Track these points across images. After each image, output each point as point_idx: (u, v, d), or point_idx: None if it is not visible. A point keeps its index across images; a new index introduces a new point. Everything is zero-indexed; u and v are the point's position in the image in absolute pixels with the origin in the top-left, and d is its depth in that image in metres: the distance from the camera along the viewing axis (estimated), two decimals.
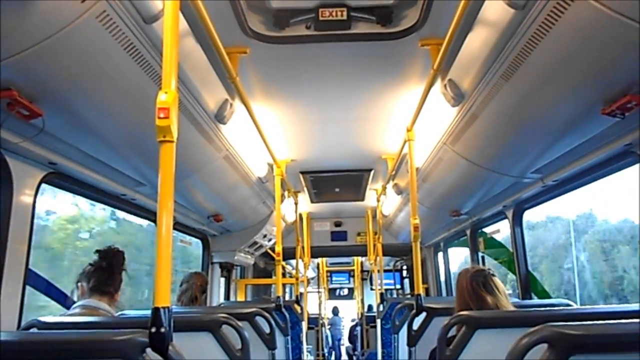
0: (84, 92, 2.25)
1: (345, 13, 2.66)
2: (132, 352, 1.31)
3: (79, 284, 2.61)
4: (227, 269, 6.76)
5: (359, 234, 8.33)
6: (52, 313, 3.43)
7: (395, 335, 3.88)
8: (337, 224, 8.39)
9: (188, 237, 5.57)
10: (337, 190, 6.51)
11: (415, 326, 2.98)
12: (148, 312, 1.37)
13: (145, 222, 4.76)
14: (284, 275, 10.16)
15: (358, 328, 11.72)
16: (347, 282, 17.99)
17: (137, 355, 1.31)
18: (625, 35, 1.82)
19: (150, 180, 3.48)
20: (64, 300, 3.69)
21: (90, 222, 5.22)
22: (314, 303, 14.30)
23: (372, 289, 11.84)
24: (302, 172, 5.65)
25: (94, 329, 2.06)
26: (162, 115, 1.44)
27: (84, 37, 1.94)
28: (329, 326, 15.56)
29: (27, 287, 2.65)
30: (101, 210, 5.12)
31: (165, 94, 1.47)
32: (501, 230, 5.18)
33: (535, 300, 4.33)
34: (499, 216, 4.81)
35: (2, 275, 2.44)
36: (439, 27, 2.60)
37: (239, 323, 2.18)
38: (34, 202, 2.69)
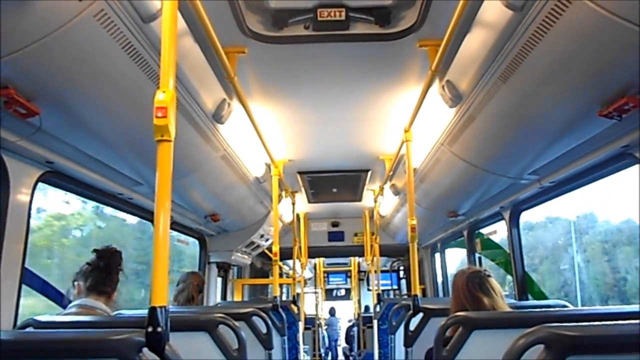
0: (81, 90, 2.24)
1: (343, 13, 2.66)
2: (128, 352, 1.31)
3: (76, 283, 2.60)
4: (224, 268, 6.75)
5: (356, 235, 8.33)
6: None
7: (392, 336, 3.88)
8: (335, 225, 8.39)
9: (184, 237, 5.56)
10: (334, 190, 6.51)
11: (412, 327, 2.98)
12: (145, 312, 1.37)
13: (129, 217, 4.67)
14: (281, 275, 10.17)
15: (355, 329, 11.72)
16: (344, 282, 17.99)
17: (134, 354, 1.31)
18: (622, 37, 1.82)
19: (148, 179, 3.47)
20: (60, 300, 3.68)
21: (78, 219, 5.14)
22: (311, 304, 14.30)
23: (369, 290, 11.87)
24: (299, 172, 5.65)
25: (91, 328, 2.06)
26: (159, 114, 1.44)
27: (81, 36, 1.93)
28: (326, 327, 15.56)
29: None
30: (88, 206, 5.04)
31: (163, 94, 1.46)
32: (498, 232, 5.18)
33: (532, 302, 4.33)
34: (496, 217, 4.81)
35: None
36: (437, 28, 2.61)
37: (236, 323, 2.18)
38: (31, 201, 2.68)
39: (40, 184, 2.80)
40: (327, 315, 16.32)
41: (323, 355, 11.66)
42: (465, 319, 1.93)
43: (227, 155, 3.93)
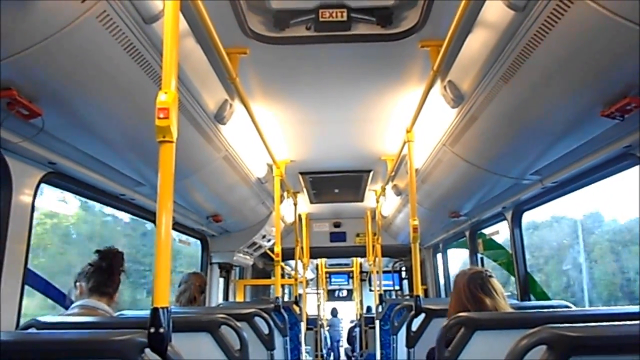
0: (83, 92, 2.25)
1: (345, 14, 2.66)
2: (131, 353, 1.31)
3: (78, 283, 2.61)
4: (226, 269, 6.76)
5: (358, 235, 8.33)
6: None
7: (394, 337, 3.88)
8: (336, 225, 8.39)
9: (185, 237, 5.56)
10: (336, 191, 6.51)
11: (414, 327, 2.98)
12: (147, 313, 1.37)
13: (121, 214, 4.54)
14: (283, 276, 10.18)
15: (357, 329, 11.71)
16: (346, 283, 17.98)
17: (136, 355, 1.31)
18: (624, 38, 1.82)
19: (150, 180, 3.48)
20: (63, 300, 3.69)
21: (70, 217, 5.07)
22: (313, 304, 14.31)
23: (371, 290, 11.85)
24: (301, 173, 5.65)
25: (93, 329, 2.06)
26: (161, 115, 1.44)
27: (84, 37, 1.94)
28: (328, 327, 15.55)
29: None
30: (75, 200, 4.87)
31: (165, 94, 1.47)
32: (500, 232, 5.18)
33: (534, 302, 4.33)
34: (498, 218, 4.81)
35: (0, 275, 2.44)
36: (439, 29, 2.60)
37: (238, 324, 2.19)
38: (33, 201, 2.68)
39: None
40: (329, 316, 16.32)
41: (325, 355, 11.66)
42: (468, 320, 1.92)
43: (229, 156, 3.93)
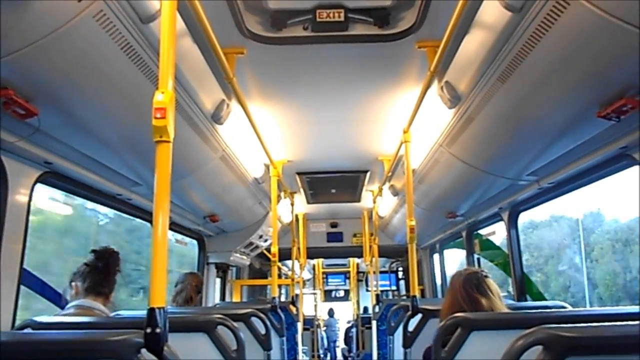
0: (80, 91, 2.24)
1: (342, 14, 2.66)
2: (127, 353, 1.31)
3: (73, 283, 2.60)
4: (222, 269, 6.75)
5: (355, 235, 8.33)
6: None
7: (391, 337, 3.88)
8: (333, 225, 8.39)
9: (181, 237, 5.55)
10: (333, 191, 6.51)
11: (410, 327, 2.98)
12: (144, 313, 1.37)
13: (106, 210, 4.35)
14: (279, 276, 10.17)
15: (353, 329, 11.73)
16: (343, 283, 17.96)
17: (132, 355, 1.31)
18: (621, 39, 1.83)
19: (146, 180, 3.47)
20: (58, 300, 3.68)
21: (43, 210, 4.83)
22: (310, 305, 14.30)
23: (367, 291, 11.86)
24: (298, 173, 5.65)
25: (89, 329, 2.06)
26: (158, 115, 1.44)
27: (80, 37, 1.93)
28: (325, 328, 15.56)
29: None
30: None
31: (162, 94, 1.46)
32: (497, 232, 5.19)
33: (530, 302, 4.34)
34: (494, 218, 4.82)
35: None
36: (436, 29, 2.61)
37: (235, 324, 2.18)
38: (29, 201, 2.68)
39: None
40: (326, 316, 16.32)
41: (322, 356, 11.66)
42: (464, 320, 1.93)
43: (226, 156, 3.93)
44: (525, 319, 2.00)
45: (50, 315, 2.57)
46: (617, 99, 2.21)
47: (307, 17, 2.67)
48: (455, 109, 3.20)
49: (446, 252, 7.07)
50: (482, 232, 5.49)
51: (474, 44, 2.62)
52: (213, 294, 6.31)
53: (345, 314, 17.39)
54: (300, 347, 5.68)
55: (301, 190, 6.36)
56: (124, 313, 2.83)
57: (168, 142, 1.47)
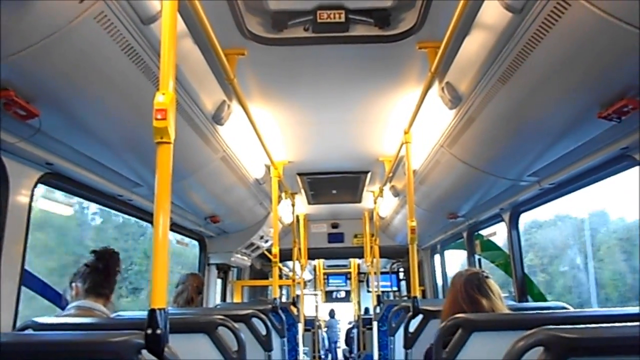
0: (81, 92, 2.24)
1: (343, 15, 2.66)
2: (127, 354, 1.31)
3: (73, 284, 2.60)
4: (223, 270, 6.75)
5: (355, 236, 8.33)
6: None
7: (392, 338, 3.88)
8: (334, 226, 8.39)
9: (180, 237, 5.55)
10: (334, 192, 6.51)
11: (411, 328, 2.98)
12: (144, 314, 1.37)
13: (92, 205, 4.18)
14: (280, 277, 10.17)
15: (354, 330, 11.71)
16: (344, 284, 17.98)
17: (133, 356, 1.31)
18: (622, 39, 1.83)
19: (147, 181, 3.47)
20: (59, 301, 3.68)
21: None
22: (311, 306, 14.29)
23: (368, 291, 11.86)
24: (299, 174, 5.65)
25: (90, 330, 2.06)
26: (159, 116, 1.44)
27: (81, 38, 1.94)
28: (326, 328, 15.56)
29: None
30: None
31: (162, 95, 1.46)
32: (497, 233, 5.18)
33: (532, 303, 4.33)
34: (495, 219, 4.81)
35: None
36: (437, 30, 2.61)
37: (235, 325, 2.18)
38: (30, 202, 2.68)
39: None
40: (327, 317, 16.32)
41: (323, 356, 11.67)
42: (465, 321, 1.92)
43: (227, 157, 3.93)
44: (526, 320, 2.00)
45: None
46: (617, 100, 2.21)
47: (308, 18, 2.67)
48: (456, 110, 3.20)
49: (447, 252, 7.07)
50: (483, 232, 5.49)
51: (474, 44, 2.62)
52: (214, 295, 6.32)
53: (346, 314, 17.38)
54: (301, 348, 5.69)
55: (302, 191, 6.36)
56: (125, 314, 2.83)
57: (169, 143, 1.47)
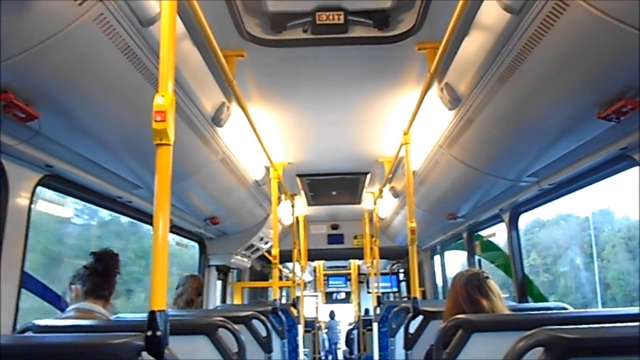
0: (80, 94, 2.24)
1: (342, 17, 2.66)
2: (128, 356, 1.31)
3: (73, 286, 2.60)
4: (223, 271, 6.75)
5: (355, 237, 8.33)
6: None
7: (392, 339, 3.87)
8: (334, 227, 8.39)
9: (179, 239, 5.55)
10: (333, 193, 6.51)
11: (411, 329, 2.98)
12: (144, 316, 1.37)
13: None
14: (280, 278, 10.17)
15: (355, 331, 11.71)
16: (344, 285, 17.98)
17: (133, 358, 1.31)
18: (620, 40, 1.83)
19: (147, 183, 3.47)
20: (59, 303, 3.68)
21: None
22: (311, 307, 14.29)
23: (368, 292, 11.86)
24: (298, 175, 5.65)
25: (90, 332, 2.05)
26: (158, 118, 1.44)
27: (81, 40, 1.94)
28: (326, 330, 15.55)
29: None
30: None
31: (162, 97, 1.46)
32: (497, 234, 5.18)
33: (532, 304, 4.33)
34: (495, 219, 4.81)
35: None
36: (436, 31, 2.61)
37: (235, 326, 2.18)
38: (30, 204, 2.68)
39: None
40: (327, 319, 16.31)
41: (323, 358, 11.65)
42: (465, 322, 1.92)
43: (227, 159, 3.93)
44: (527, 320, 2.00)
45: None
46: (617, 100, 2.21)
47: (307, 20, 2.67)
48: (456, 111, 3.20)
49: (447, 253, 7.07)
50: (483, 233, 5.49)
51: (473, 45, 2.62)
52: (214, 297, 6.31)
53: (346, 316, 17.38)
54: (301, 350, 5.68)
55: (302, 192, 6.36)
56: (125, 316, 2.83)
57: (168, 145, 1.47)
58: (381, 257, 7.60)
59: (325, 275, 16.24)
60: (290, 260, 7.04)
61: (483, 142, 3.27)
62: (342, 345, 15.67)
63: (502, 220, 4.59)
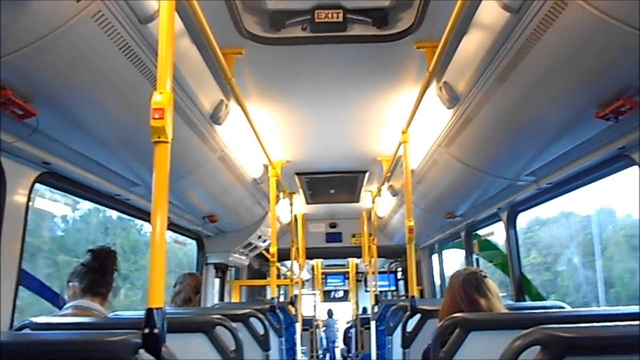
0: (78, 91, 2.24)
1: (341, 15, 2.66)
2: (125, 353, 1.30)
3: (70, 284, 2.59)
4: (221, 269, 6.75)
5: (353, 236, 8.33)
6: None
7: (390, 337, 3.87)
8: (332, 226, 8.39)
9: (176, 236, 5.54)
10: (332, 191, 6.52)
11: (409, 328, 2.98)
12: (142, 313, 1.37)
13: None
14: (278, 276, 10.17)
15: (352, 330, 11.73)
16: (342, 284, 17.98)
17: (130, 356, 1.31)
18: (619, 39, 1.83)
19: (145, 180, 3.47)
20: (57, 301, 3.68)
21: None
22: (309, 305, 14.30)
23: (366, 291, 11.86)
24: (297, 174, 5.66)
25: (87, 329, 2.05)
26: (156, 115, 1.44)
27: (79, 37, 1.93)
28: (324, 328, 15.56)
29: None
30: None
31: (160, 95, 1.46)
32: (495, 233, 5.19)
33: (529, 303, 4.34)
34: (493, 218, 4.82)
35: None
36: (435, 30, 2.61)
37: (233, 324, 2.18)
38: (28, 202, 2.67)
39: None
40: (325, 317, 16.32)
41: (321, 356, 11.68)
42: (463, 320, 1.93)
43: (225, 157, 3.93)
44: (524, 319, 2.00)
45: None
46: (615, 100, 2.22)
47: (306, 18, 2.67)
48: (454, 110, 3.20)
49: (445, 252, 7.08)
50: (481, 232, 5.50)
51: (472, 44, 2.62)
52: (212, 295, 6.31)
53: (344, 314, 17.39)
54: (299, 348, 5.68)
55: (300, 190, 6.36)
56: (122, 313, 2.83)
57: (166, 142, 1.47)
58: (379, 256, 7.62)
59: (323, 273, 16.24)
60: (288, 259, 7.04)
61: (481, 141, 3.27)
62: (339, 344, 15.68)
63: (500, 219, 4.60)
